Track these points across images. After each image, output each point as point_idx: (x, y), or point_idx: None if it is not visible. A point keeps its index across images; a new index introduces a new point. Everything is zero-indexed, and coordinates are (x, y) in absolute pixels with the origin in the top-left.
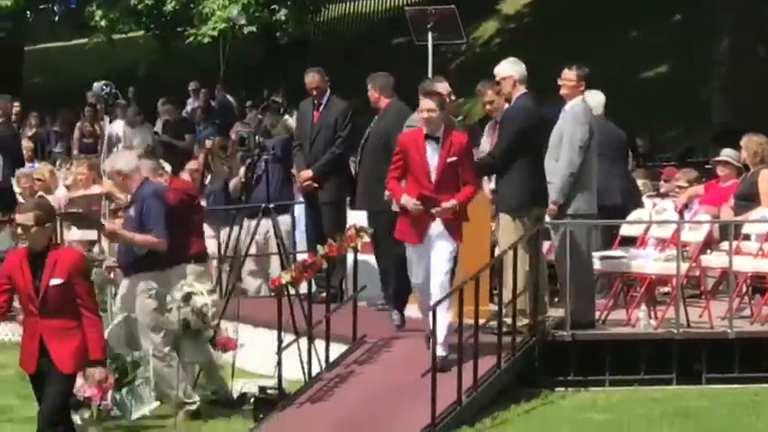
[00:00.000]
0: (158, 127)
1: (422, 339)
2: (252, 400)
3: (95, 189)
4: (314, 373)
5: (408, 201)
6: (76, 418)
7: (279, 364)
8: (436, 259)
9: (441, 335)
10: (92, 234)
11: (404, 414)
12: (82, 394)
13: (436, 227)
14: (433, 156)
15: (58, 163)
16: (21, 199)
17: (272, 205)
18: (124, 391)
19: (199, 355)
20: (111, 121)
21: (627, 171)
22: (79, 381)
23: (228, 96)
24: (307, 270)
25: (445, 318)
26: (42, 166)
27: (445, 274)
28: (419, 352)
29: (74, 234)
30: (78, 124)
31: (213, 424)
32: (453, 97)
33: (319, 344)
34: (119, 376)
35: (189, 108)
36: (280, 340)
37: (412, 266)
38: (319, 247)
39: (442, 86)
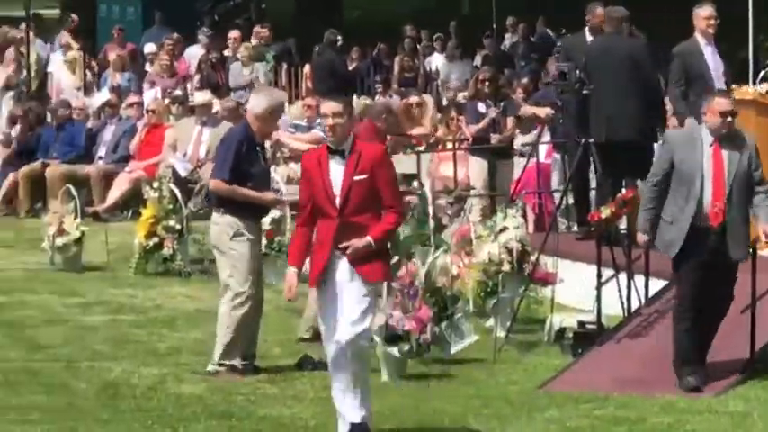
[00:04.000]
0: (478, 61)
1: (746, 275)
2: (571, 334)
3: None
4: (633, 308)
5: (290, 276)
6: (395, 351)
7: (598, 299)
8: (345, 304)
9: (355, 396)
10: None
11: (723, 349)
12: (401, 327)
13: (342, 269)
14: (337, 175)
15: (376, 97)
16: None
17: (591, 140)
18: (443, 324)
19: (515, 291)
20: (429, 55)
21: None
22: (398, 313)
23: (549, 31)
24: (626, 206)
25: (360, 376)
26: (362, 100)
27: (355, 322)
28: (740, 286)
29: None
30: (397, 58)
31: (532, 358)
32: None
33: (638, 279)
34: (438, 310)
35: (507, 43)
36: (599, 275)
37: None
38: (639, 182)
39: None
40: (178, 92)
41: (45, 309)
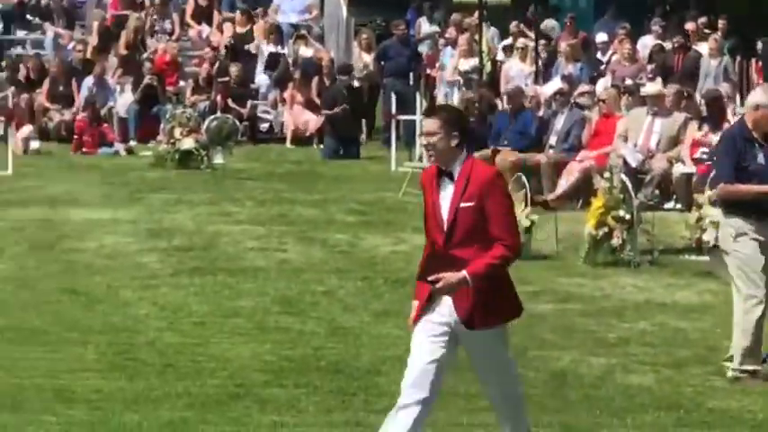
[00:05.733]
0: None
1: None
2: None
3: None
4: None
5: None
6: None
7: None
8: (483, 375)
9: None
10: None
11: None
12: None
13: (447, 307)
14: (446, 198)
15: None
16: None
17: None
18: None
19: None
20: None
21: None
22: None
23: None
24: None
25: None
26: None
27: (496, 374)
28: None
29: None
30: None
31: None
32: None
33: None
34: None
35: None
36: None
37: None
38: None
39: None
40: (629, 81)
41: None
